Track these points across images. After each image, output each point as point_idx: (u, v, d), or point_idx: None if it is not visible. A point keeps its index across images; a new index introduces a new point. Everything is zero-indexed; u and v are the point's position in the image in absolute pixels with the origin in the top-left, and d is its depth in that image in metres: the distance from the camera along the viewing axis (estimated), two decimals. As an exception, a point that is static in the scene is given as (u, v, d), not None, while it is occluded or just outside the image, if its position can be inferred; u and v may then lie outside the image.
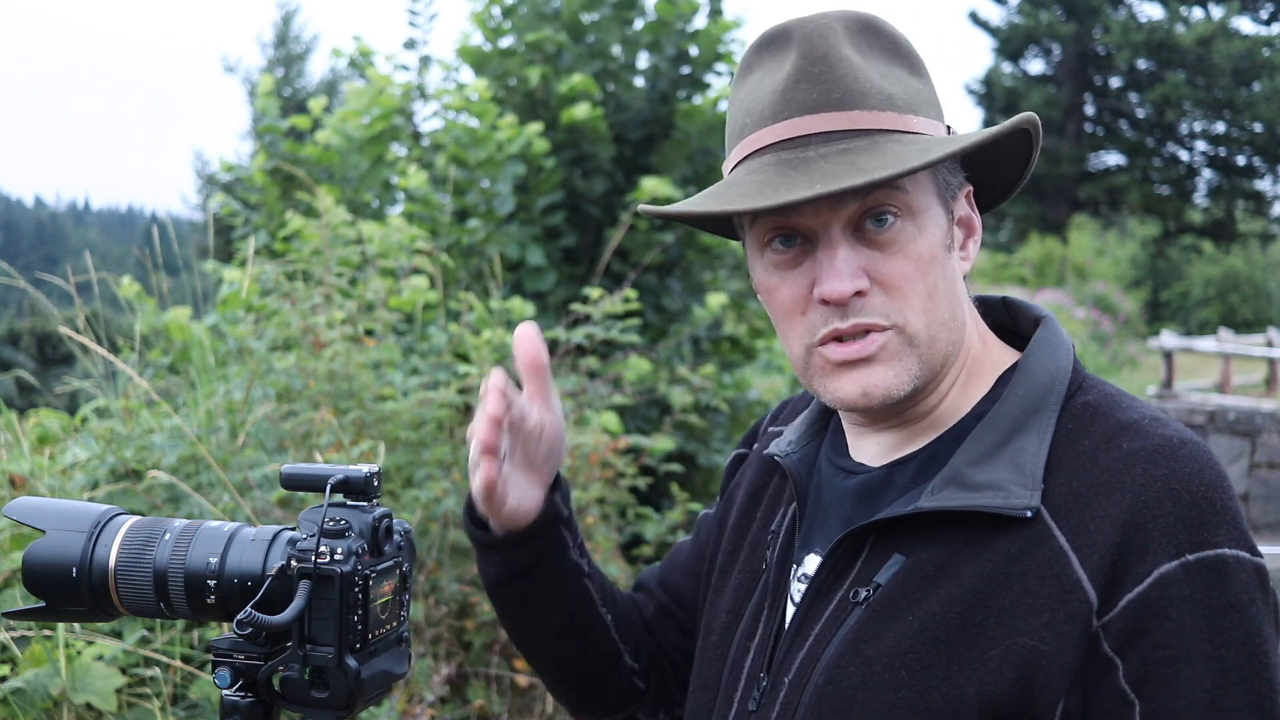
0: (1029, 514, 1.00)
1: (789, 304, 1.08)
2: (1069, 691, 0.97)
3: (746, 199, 1.02)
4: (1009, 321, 1.20)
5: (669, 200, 5.55)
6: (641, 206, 1.12)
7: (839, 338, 1.06)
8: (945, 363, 1.09)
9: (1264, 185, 32.12)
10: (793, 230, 1.06)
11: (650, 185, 5.39)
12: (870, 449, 1.16)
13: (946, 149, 1.01)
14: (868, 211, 1.04)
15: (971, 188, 1.13)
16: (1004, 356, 1.14)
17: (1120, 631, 0.97)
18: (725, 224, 1.18)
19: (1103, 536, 0.98)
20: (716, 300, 5.47)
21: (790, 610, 1.14)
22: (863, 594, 1.06)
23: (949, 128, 1.10)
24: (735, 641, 1.20)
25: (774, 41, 1.09)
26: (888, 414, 1.13)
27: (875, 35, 1.09)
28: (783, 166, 1.03)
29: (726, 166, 1.12)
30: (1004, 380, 1.11)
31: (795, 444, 1.23)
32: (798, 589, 1.15)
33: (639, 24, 6.15)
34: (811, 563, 1.15)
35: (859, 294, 1.04)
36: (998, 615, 0.99)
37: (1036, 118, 1.07)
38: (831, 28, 1.07)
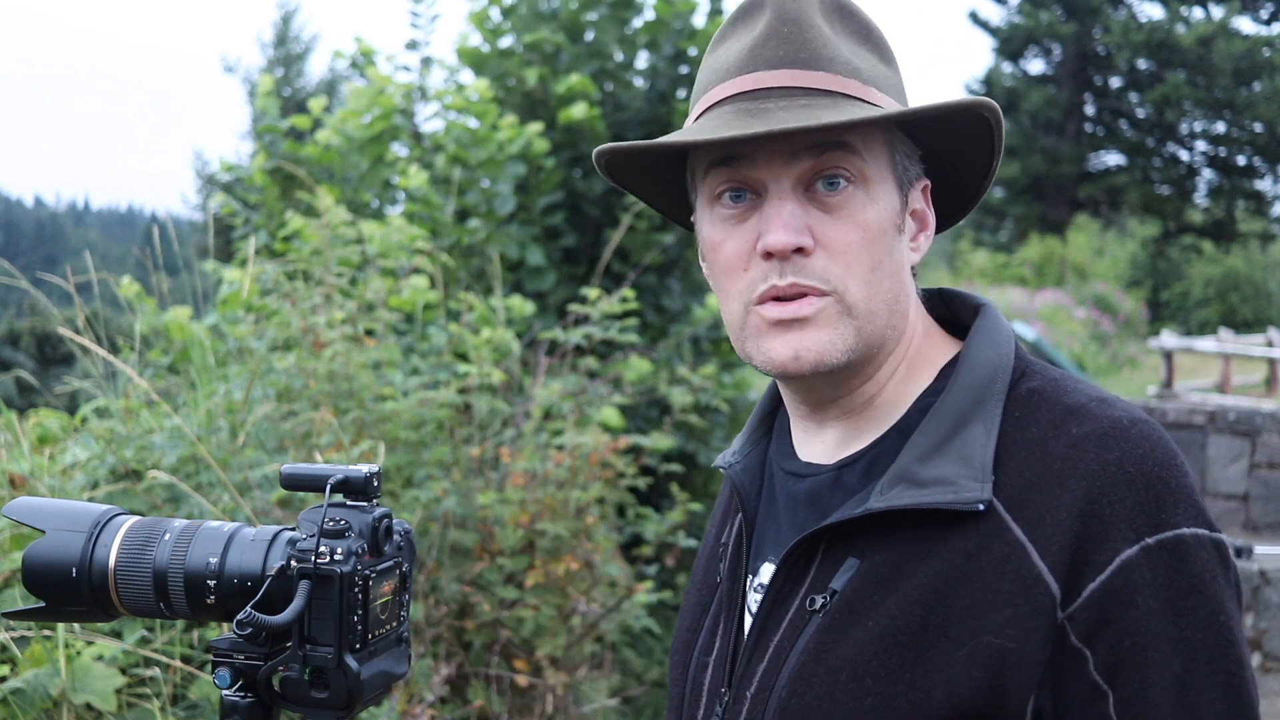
0: (981, 507, 0.99)
1: (732, 259, 1.07)
2: (1039, 688, 0.96)
3: (696, 135, 1.02)
4: (947, 313, 1.18)
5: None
6: (598, 148, 1.10)
7: (777, 297, 1.04)
8: (884, 346, 1.08)
9: (1264, 185, 32.10)
10: (743, 184, 1.05)
11: (650, 185, 5.38)
12: (817, 447, 1.13)
13: (905, 108, 1.03)
14: (820, 172, 1.03)
15: (929, 183, 1.12)
16: (946, 348, 1.13)
17: (1086, 622, 0.95)
18: (683, 203, 1.17)
19: (1060, 527, 0.96)
20: (716, 300, 5.47)
21: (749, 623, 1.12)
22: (819, 601, 1.04)
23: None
24: (694, 659, 1.18)
25: (748, 11, 1.09)
26: (825, 397, 1.10)
27: (848, 17, 1.09)
28: (740, 114, 1.03)
29: (688, 122, 1.11)
30: (946, 372, 1.10)
31: (739, 452, 1.22)
32: (755, 599, 1.12)
33: (637, 23, 6.15)
34: (767, 572, 1.13)
35: (802, 252, 1.03)
36: (959, 615, 0.97)
37: (995, 105, 1.05)
38: None
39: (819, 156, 1.03)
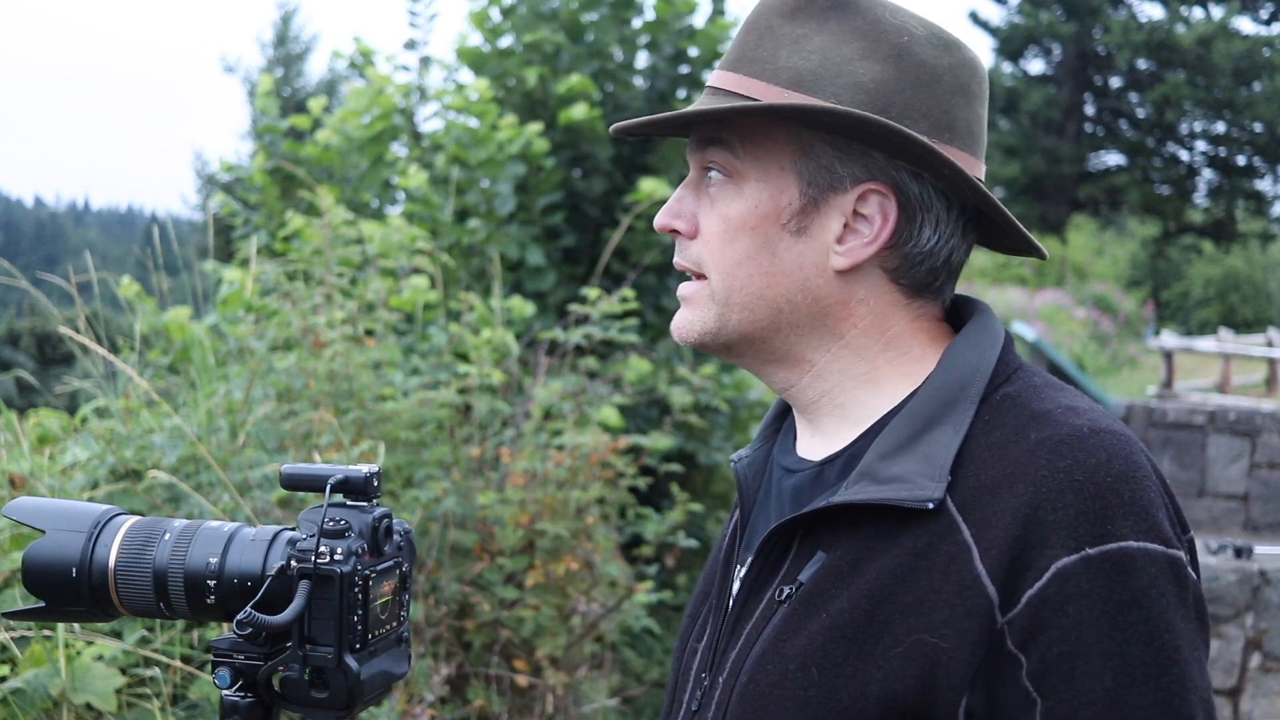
0: (931, 505, 0.99)
1: (655, 226, 1.17)
2: (970, 690, 0.95)
3: (630, 121, 1.12)
4: (958, 320, 1.18)
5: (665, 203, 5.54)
6: (614, 126, 1.14)
7: (677, 270, 1.16)
8: (785, 340, 1.11)
9: (1264, 185, 32.10)
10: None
11: (649, 185, 5.39)
12: (809, 444, 1.16)
13: (714, 107, 1.06)
14: (702, 164, 1.11)
15: (889, 187, 1.07)
16: (937, 351, 1.13)
17: (1023, 628, 0.95)
18: None
19: (1003, 530, 0.96)
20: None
21: (730, 610, 1.15)
22: (786, 591, 1.06)
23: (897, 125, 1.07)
24: (688, 645, 1.22)
25: None
26: (777, 387, 1.16)
27: (846, 14, 1.08)
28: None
29: None
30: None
31: (750, 448, 1.25)
32: (737, 588, 1.16)
33: (637, 23, 6.15)
34: (749, 562, 1.15)
35: (683, 234, 1.12)
36: (903, 611, 0.98)
37: (883, 124, 1.03)
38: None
39: (704, 150, 1.11)
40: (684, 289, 1.14)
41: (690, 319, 1.13)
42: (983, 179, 1.10)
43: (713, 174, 1.10)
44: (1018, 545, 0.95)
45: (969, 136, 1.09)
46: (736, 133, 1.08)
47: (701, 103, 1.10)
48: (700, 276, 1.12)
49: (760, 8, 1.11)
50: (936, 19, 1.11)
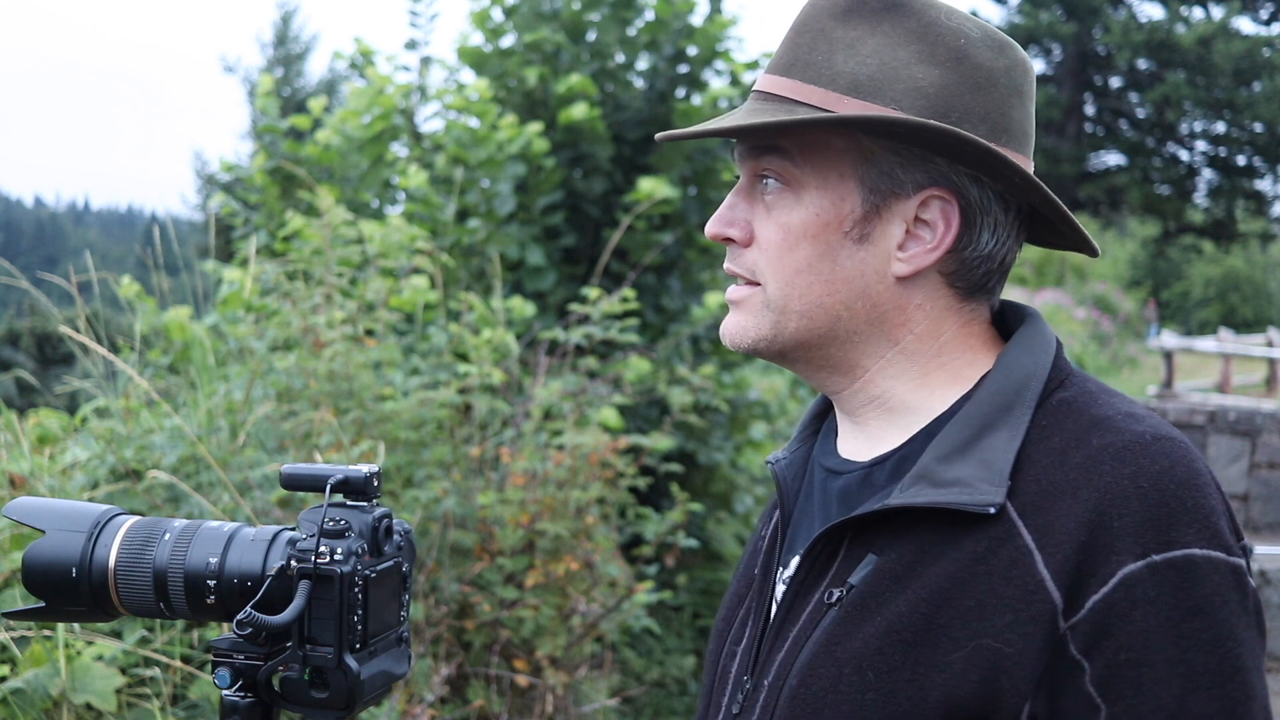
0: (992, 510, 0.99)
1: (706, 233, 1.16)
2: (1034, 694, 0.96)
3: (679, 130, 1.11)
4: (1003, 323, 1.18)
5: (667, 202, 5.56)
6: (660, 135, 1.15)
7: (729, 276, 1.15)
8: (841, 346, 1.10)
9: (1264, 185, 32.10)
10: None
11: (648, 185, 5.39)
12: (854, 445, 1.15)
13: (785, 118, 1.04)
14: (759, 172, 1.10)
15: (952, 193, 1.06)
16: (991, 355, 1.13)
17: (1087, 634, 0.95)
18: None
19: (1067, 536, 0.96)
20: (715, 299, 5.47)
21: (774, 612, 1.15)
22: (836, 594, 1.05)
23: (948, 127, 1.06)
24: (725, 647, 1.21)
25: None
26: (828, 390, 1.15)
27: (900, 16, 1.06)
28: (734, 112, 1.11)
29: None
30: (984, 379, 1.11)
31: (788, 449, 1.25)
32: (781, 591, 1.15)
33: (638, 23, 6.15)
34: (795, 564, 1.15)
35: (737, 242, 1.11)
36: (963, 616, 0.98)
37: (968, 138, 1.02)
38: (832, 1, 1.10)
39: (758, 158, 1.09)
40: (734, 293, 1.12)
41: (744, 324, 1.12)
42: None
43: (769, 181, 1.09)
44: (1083, 551, 0.95)
45: (1023, 137, 1.09)
46: (795, 140, 1.07)
47: (753, 108, 1.08)
48: (752, 283, 1.11)
49: (810, 9, 1.09)
50: (989, 26, 1.10)
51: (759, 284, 1.10)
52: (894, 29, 1.06)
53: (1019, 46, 1.10)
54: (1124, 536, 0.95)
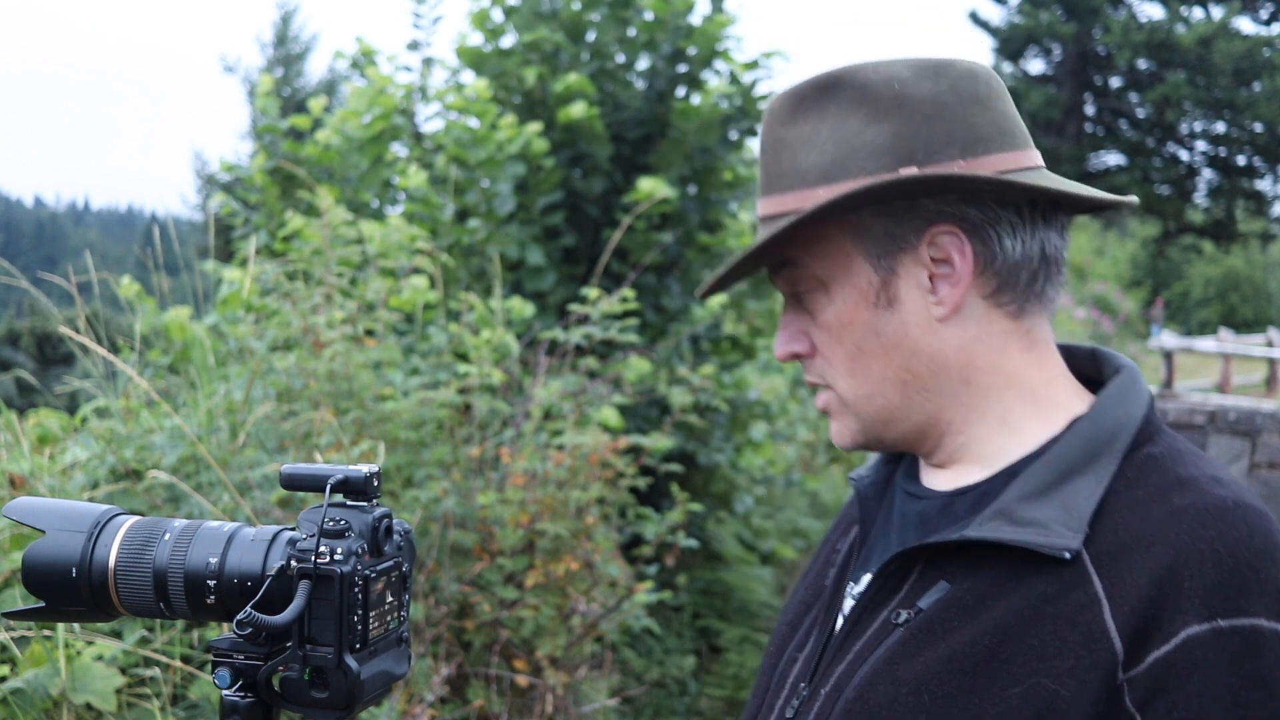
0: (1067, 555, 1.00)
1: (777, 358, 1.20)
2: None
3: (717, 273, 1.16)
4: (1095, 372, 1.19)
5: (666, 201, 5.56)
6: (700, 291, 1.20)
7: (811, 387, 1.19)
8: (920, 410, 1.12)
9: (1264, 185, 32.10)
10: None
11: (648, 185, 5.39)
12: (937, 476, 1.18)
13: (763, 239, 1.08)
14: (791, 284, 1.15)
15: (949, 224, 1.07)
16: (1080, 401, 1.13)
17: (1144, 688, 0.95)
18: None
19: (1137, 589, 0.97)
20: (715, 299, 5.48)
21: (839, 625, 1.17)
22: (904, 616, 1.07)
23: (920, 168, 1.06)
24: (787, 653, 1.23)
25: None
26: (912, 451, 1.18)
27: (837, 91, 1.09)
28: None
29: None
30: (1074, 424, 1.11)
31: (872, 468, 1.27)
32: (849, 606, 1.17)
33: (637, 25, 6.15)
34: (866, 581, 1.17)
35: (804, 354, 1.16)
36: (1024, 654, 0.99)
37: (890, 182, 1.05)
38: (774, 109, 1.14)
39: (778, 275, 1.15)
40: (819, 401, 1.18)
41: (840, 429, 1.17)
42: (1037, 163, 1.10)
43: (800, 293, 1.14)
44: (1150, 606, 0.96)
45: (1001, 135, 1.09)
46: (798, 248, 1.11)
47: (758, 236, 1.13)
48: (828, 387, 1.15)
49: (764, 128, 1.14)
50: (920, 56, 1.11)
51: (830, 386, 1.15)
52: (838, 107, 1.09)
53: (959, 60, 1.11)
54: (1193, 597, 0.95)
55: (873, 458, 1.30)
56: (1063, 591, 1.00)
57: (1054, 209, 1.10)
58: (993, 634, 1.01)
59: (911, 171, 1.05)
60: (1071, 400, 1.13)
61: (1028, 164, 1.09)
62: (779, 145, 1.12)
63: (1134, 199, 1.16)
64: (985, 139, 1.07)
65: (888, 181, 1.04)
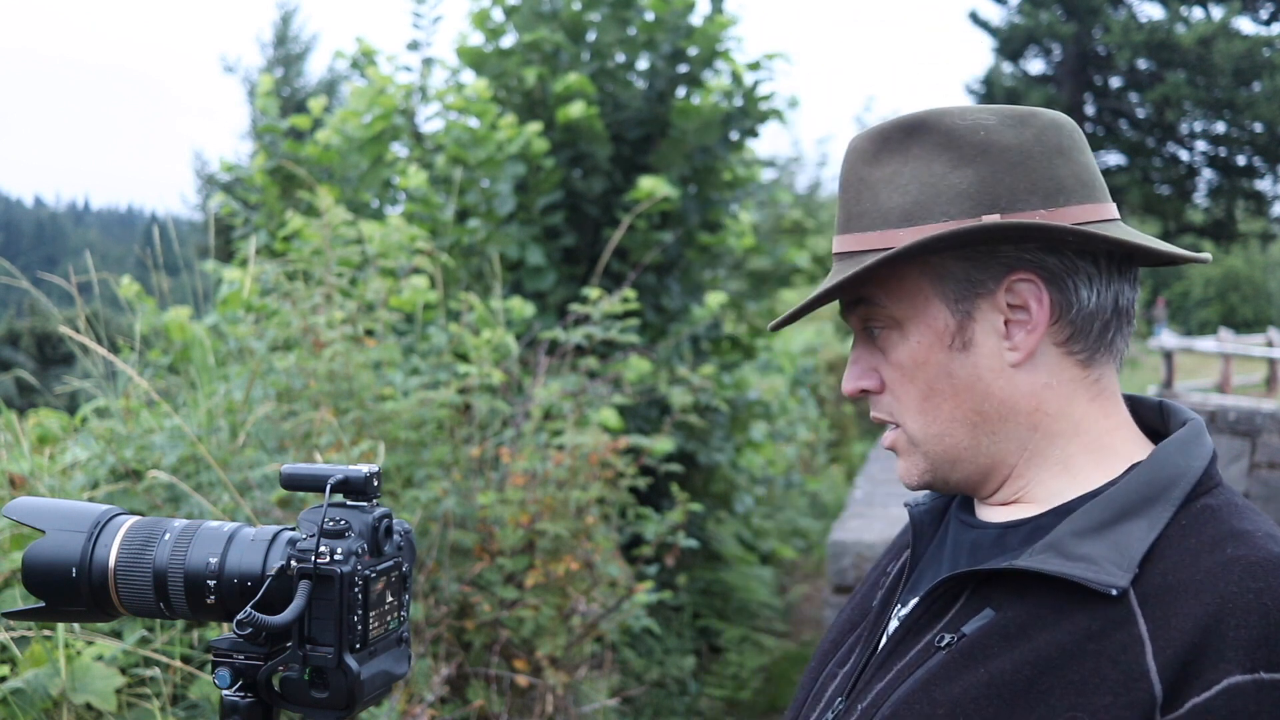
0: (1114, 593, 1.01)
1: (845, 393, 1.21)
2: None
3: (788, 313, 1.19)
4: (1160, 424, 1.20)
5: (667, 201, 5.56)
6: (773, 325, 1.22)
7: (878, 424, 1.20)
8: (987, 453, 1.13)
9: (1264, 185, 32.09)
10: None
11: (648, 185, 5.39)
12: (992, 511, 1.19)
13: (846, 275, 1.10)
14: (865, 320, 1.16)
15: (1029, 272, 1.09)
16: (1141, 450, 1.14)
17: None
18: None
19: (1181, 634, 0.98)
20: (715, 299, 5.48)
21: (883, 645, 1.19)
22: (947, 639, 1.08)
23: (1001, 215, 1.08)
24: (827, 668, 1.25)
25: None
26: (971, 494, 1.19)
27: (922, 134, 1.11)
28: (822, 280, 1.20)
29: None
30: (1131, 469, 1.13)
31: (928, 497, 1.29)
32: (894, 626, 1.19)
33: (637, 25, 6.15)
34: (913, 604, 1.18)
35: (871, 391, 1.17)
36: (1064, 687, 1.00)
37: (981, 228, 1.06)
38: (857, 148, 1.15)
39: (853, 311, 1.16)
40: (887, 439, 1.19)
41: (908, 468, 1.18)
42: (1114, 215, 1.12)
43: (873, 329, 1.15)
44: (1193, 651, 0.97)
45: (1083, 187, 1.10)
46: (876, 287, 1.12)
47: (835, 270, 1.15)
48: (895, 425, 1.17)
49: (846, 166, 1.16)
50: (1003, 105, 1.14)
51: (899, 424, 1.16)
52: (922, 150, 1.11)
53: (1044, 110, 1.13)
54: (1237, 648, 0.96)
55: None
56: (1107, 629, 1.00)
57: (1128, 261, 1.12)
58: (1033, 664, 1.02)
59: (994, 219, 1.07)
60: (1132, 449, 1.14)
61: (1106, 215, 1.11)
62: (860, 184, 1.14)
63: (1207, 256, 1.17)
64: (1067, 190, 1.09)
65: (972, 228, 1.06)
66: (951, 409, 1.12)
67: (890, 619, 1.20)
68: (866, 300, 1.14)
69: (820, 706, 1.21)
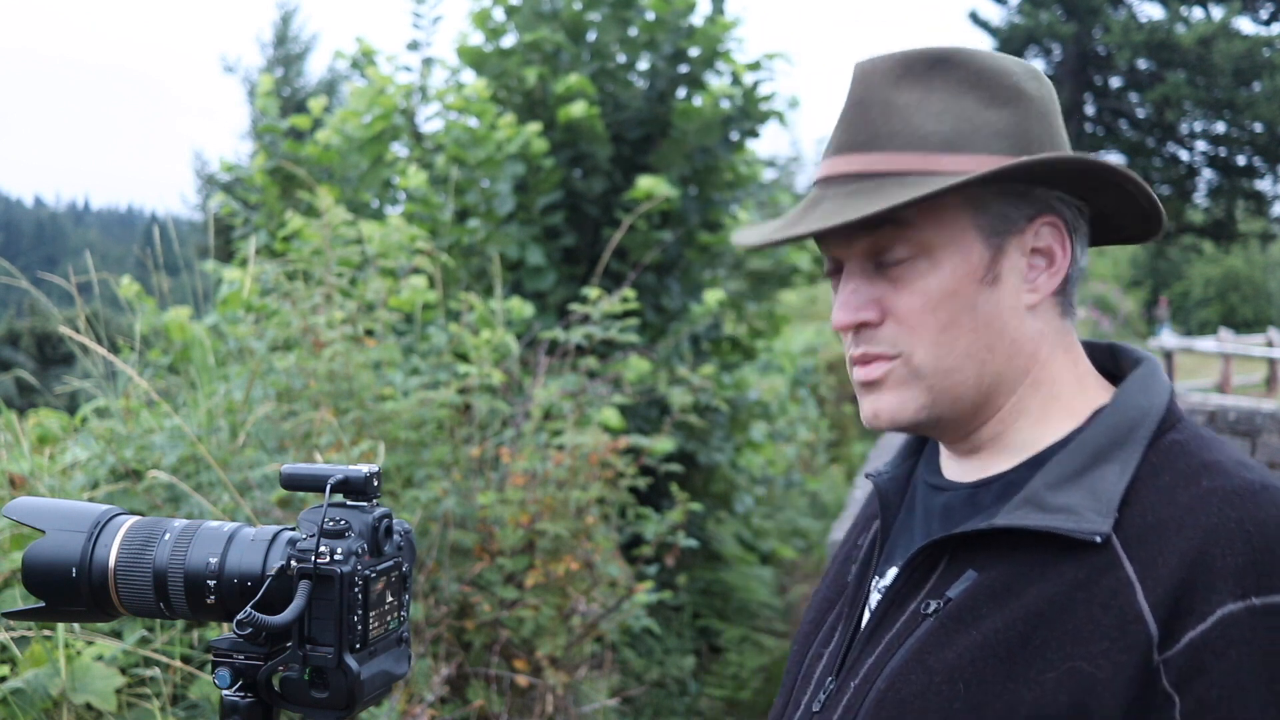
0: (1098, 539, 1.01)
1: (836, 325, 1.15)
2: None
3: (759, 234, 1.13)
4: (1112, 366, 1.21)
5: (667, 200, 5.56)
6: (738, 242, 1.18)
7: (860, 361, 1.13)
8: (984, 393, 1.12)
9: (1264, 185, 32.08)
10: (833, 258, 1.15)
11: (647, 184, 5.39)
12: (959, 469, 1.19)
13: (914, 193, 1.04)
14: (879, 250, 1.10)
15: (1059, 216, 1.12)
16: (1102, 395, 1.16)
17: (1180, 668, 0.97)
18: None
19: (1169, 571, 0.99)
20: (714, 297, 5.47)
21: (866, 619, 1.18)
22: (933, 606, 1.08)
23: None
24: (812, 649, 1.24)
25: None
26: (944, 439, 1.17)
27: (948, 69, 1.10)
28: (808, 204, 1.12)
29: None
30: (1097, 414, 1.13)
31: (890, 464, 1.28)
32: (875, 599, 1.18)
33: (638, 25, 6.15)
34: (892, 575, 1.18)
35: (868, 324, 1.11)
36: (1059, 638, 1.00)
37: (1088, 161, 1.07)
38: (879, 69, 1.12)
39: (873, 234, 1.10)
40: (872, 372, 1.12)
41: (899, 403, 1.12)
42: None
43: (893, 256, 1.09)
44: (1183, 587, 0.98)
45: (1068, 148, 1.14)
46: (916, 210, 1.08)
47: (851, 191, 1.09)
48: (888, 358, 1.11)
49: (863, 85, 1.12)
50: (1012, 56, 1.16)
51: (897, 356, 1.11)
52: (946, 83, 1.10)
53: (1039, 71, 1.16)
54: (1226, 577, 0.97)
55: (890, 453, 1.30)
56: (1094, 576, 1.01)
57: (1101, 225, 1.17)
58: (1025, 620, 1.02)
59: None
60: (1096, 393, 1.15)
61: None
62: (886, 105, 1.10)
63: (1160, 218, 1.18)
64: (1068, 148, 1.13)
65: (1053, 157, 1.05)
66: (968, 344, 1.10)
67: (869, 591, 1.20)
68: (898, 222, 1.08)
69: (810, 688, 1.20)
